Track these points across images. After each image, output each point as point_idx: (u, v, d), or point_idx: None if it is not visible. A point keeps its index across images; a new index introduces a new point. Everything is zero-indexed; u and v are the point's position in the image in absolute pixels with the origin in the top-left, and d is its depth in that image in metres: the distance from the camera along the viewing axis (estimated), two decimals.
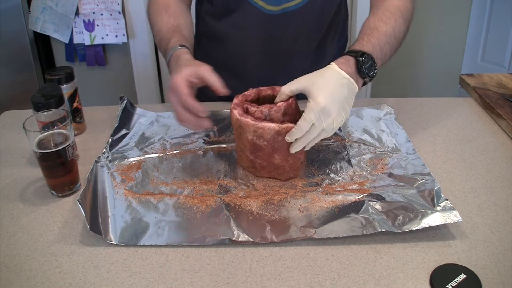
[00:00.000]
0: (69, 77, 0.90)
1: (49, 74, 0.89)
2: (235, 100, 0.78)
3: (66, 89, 0.90)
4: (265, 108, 0.74)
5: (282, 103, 0.75)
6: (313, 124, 0.69)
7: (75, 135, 0.86)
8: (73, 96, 0.92)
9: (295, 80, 0.73)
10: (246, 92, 0.81)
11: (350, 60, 0.75)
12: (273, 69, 1.02)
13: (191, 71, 0.74)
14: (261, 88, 0.81)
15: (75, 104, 0.93)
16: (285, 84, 0.75)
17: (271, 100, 0.80)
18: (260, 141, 0.73)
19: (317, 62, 1.02)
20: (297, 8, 0.94)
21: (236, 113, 0.75)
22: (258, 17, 0.95)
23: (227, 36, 1.01)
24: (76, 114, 0.94)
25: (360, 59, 0.75)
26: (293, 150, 0.73)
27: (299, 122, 0.69)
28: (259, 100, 0.81)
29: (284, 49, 1.00)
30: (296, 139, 0.71)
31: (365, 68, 0.75)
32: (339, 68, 0.73)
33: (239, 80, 0.97)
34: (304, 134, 0.70)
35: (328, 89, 0.70)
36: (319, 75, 0.72)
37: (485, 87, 1.07)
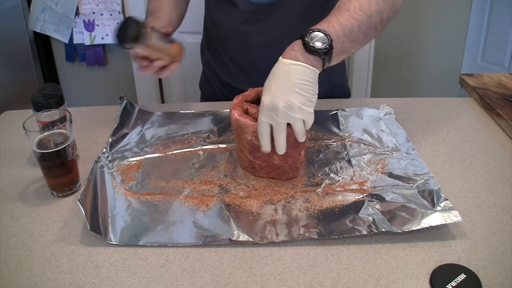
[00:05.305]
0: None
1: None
2: (235, 100, 0.78)
3: None
4: None
5: None
6: (270, 123, 0.69)
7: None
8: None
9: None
10: (245, 92, 0.81)
11: (295, 44, 0.72)
12: (268, 57, 1.02)
13: None
14: (261, 88, 0.81)
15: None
16: None
17: None
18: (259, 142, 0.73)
19: None
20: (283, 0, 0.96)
21: (236, 113, 0.75)
22: (247, 6, 0.97)
23: (221, 23, 1.05)
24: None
25: (305, 36, 0.70)
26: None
27: (257, 126, 0.71)
28: (259, 100, 0.81)
29: (274, 37, 1.00)
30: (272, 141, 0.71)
31: (311, 44, 0.69)
32: (283, 58, 0.71)
33: (240, 70, 1.05)
34: (274, 135, 0.70)
35: (271, 85, 0.70)
36: (269, 74, 0.72)
37: (485, 87, 1.07)
